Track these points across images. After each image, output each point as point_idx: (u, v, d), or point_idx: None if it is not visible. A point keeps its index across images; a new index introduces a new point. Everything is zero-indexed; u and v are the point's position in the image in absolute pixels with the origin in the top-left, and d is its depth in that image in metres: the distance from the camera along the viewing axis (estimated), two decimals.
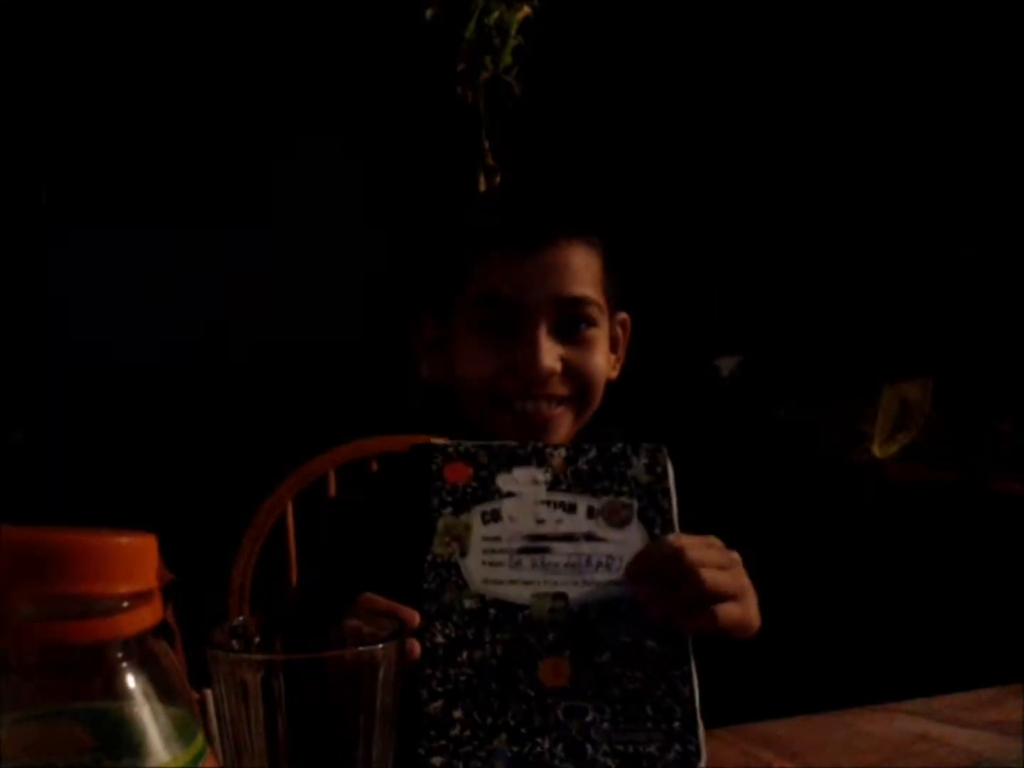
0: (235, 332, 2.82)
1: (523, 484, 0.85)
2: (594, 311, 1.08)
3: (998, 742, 0.86)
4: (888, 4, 2.85)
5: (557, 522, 0.83)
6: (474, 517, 0.83)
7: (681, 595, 0.79)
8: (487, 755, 0.73)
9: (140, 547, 0.36)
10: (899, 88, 2.86)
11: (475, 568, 0.81)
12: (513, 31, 2.68)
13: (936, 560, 2.35)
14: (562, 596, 0.80)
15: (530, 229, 1.06)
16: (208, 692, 0.66)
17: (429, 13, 2.67)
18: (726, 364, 2.98)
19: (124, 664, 0.36)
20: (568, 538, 0.82)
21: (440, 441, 0.88)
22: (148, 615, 0.36)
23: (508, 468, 0.86)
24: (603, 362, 1.10)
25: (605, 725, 0.74)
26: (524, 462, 0.86)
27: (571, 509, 0.84)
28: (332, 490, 1.57)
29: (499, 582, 0.80)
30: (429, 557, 0.82)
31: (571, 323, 1.07)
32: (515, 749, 0.73)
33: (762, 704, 0.92)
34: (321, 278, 2.89)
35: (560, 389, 1.06)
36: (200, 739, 0.37)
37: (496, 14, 2.67)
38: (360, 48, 2.83)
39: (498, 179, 2.72)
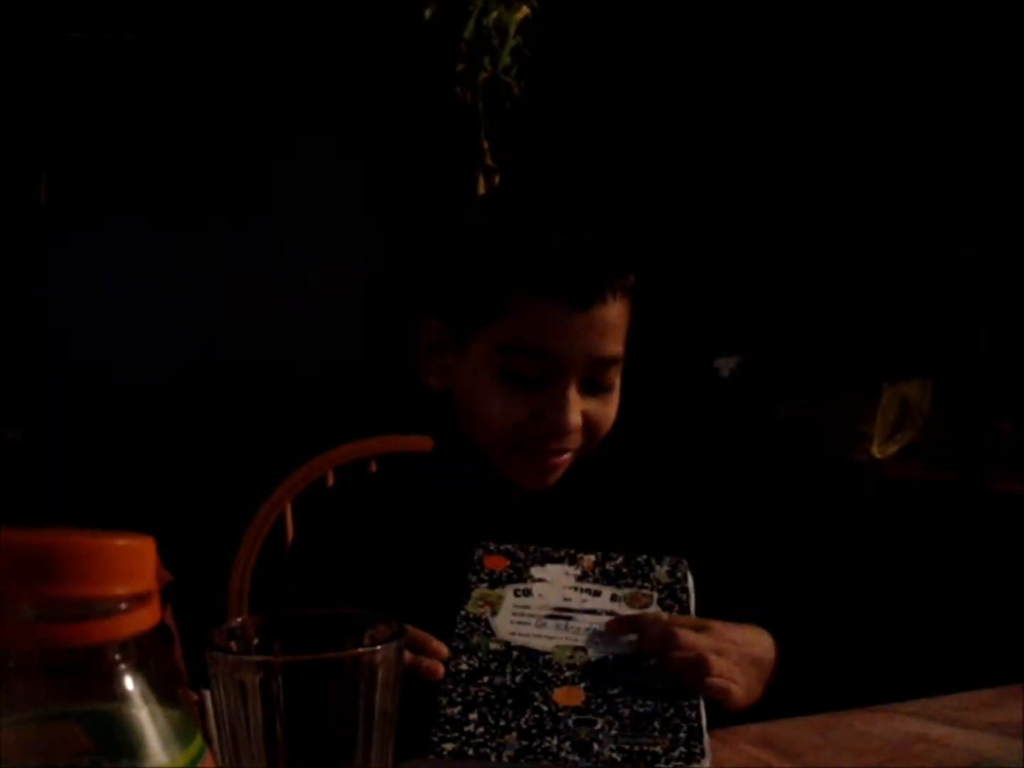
0: (235, 331, 2.82)
1: (554, 575, 0.94)
2: (620, 366, 1.08)
3: (998, 743, 0.86)
4: (888, 4, 2.85)
5: (582, 601, 0.91)
6: (507, 591, 0.91)
7: (675, 659, 0.85)
8: (497, 746, 0.76)
9: (138, 549, 0.36)
10: (899, 88, 2.86)
11: (503, 624, 0.88)
12: (512, 31, 2.68)
13: (936, 560, 2.35)
14: (582, 649, 0.86)
15: (585, 284, 1.02)
16: (207, 693, 0.66)
17: (428, 13, 2.67)
18: (726, 364, 2.98)
19: (122, 666, 0.36)
20: (591, 612, 0.90)
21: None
22: (147, 617, 0.36)
23: (542, 563, 0.95)
24: (615, 410, 1.10)
25: (613, 732, 0.78)
26: (557, 561, 0.95)
27: (596, 594, 0.92)
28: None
29: (525, 635, 0.87)
30: (462, 612, 0.89)
31: (598, 379, 1.06)
32: (524, 743, 0.76)
33: (763, 705, 0.92)
34: (321, 278, 2.89)
35: (577, 443, 1.06)
36: (199, 740, 0.37)
37: (495, 14, 2.67)
38: (359, 48, 2.83)
39: (497, 180, 2.72)
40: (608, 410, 1.08)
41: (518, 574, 0.93)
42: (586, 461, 1.11)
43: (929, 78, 2.81)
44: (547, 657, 0.84)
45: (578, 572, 0.93)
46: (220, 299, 2.81)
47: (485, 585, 0.92)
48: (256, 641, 0.59)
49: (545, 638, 0.86)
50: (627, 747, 0.75)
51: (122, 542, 0.35)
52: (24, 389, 2.66)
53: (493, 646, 0.85)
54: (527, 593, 0.91)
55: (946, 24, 2.77)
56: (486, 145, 2.71)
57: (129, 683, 0.36)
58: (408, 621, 0.80)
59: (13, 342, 2.64)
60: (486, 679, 0.82)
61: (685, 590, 0.93)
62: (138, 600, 0.36)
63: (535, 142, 2.76)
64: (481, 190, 2.75)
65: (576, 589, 0.92)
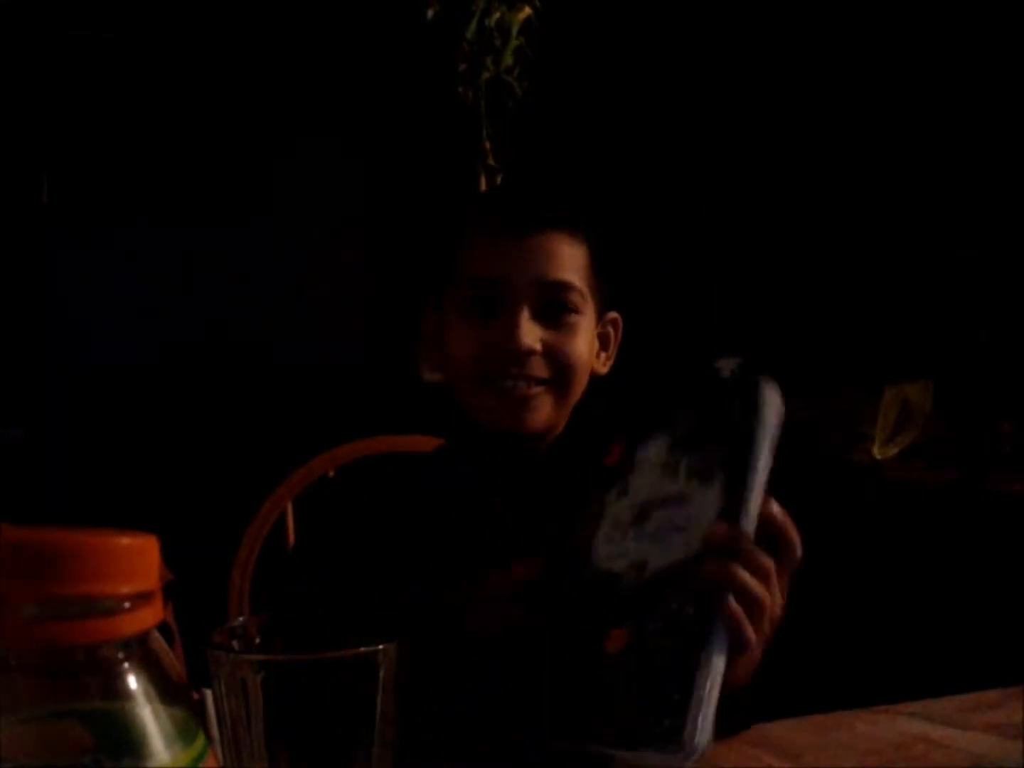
0: (235, 330, 2.82)
1: (651, 452, 0.80)
2: (576, 298, 1.10)
3: (998, 744, 0.86)
4: (888, 4, 2.85)
5: (662, 487, 0.77)
6: (611, 496, 0.80)
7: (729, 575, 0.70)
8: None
9: (142, 547, 0.36)
10: (899, 88, 2.86)
11: (600, 546, 0.77)
12: (514, 32, 2.68)
13: (936, 560, 2.35)
14: (643, 564, 0.74)
15: (517, 217, 1.10)
16: (208, 692, 0.66)
17: (430, 13, 2.67)
18: (726, 366, 2.98)
19: (125, 664, 0.36)
20: (664, 502, 0.76)
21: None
22: (149, 615, 0.36)
23: (644, 439, 0.81)
24: (585, 349, 1.12)
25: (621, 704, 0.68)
26: (659, 428, 0.80)
27: (674, 471, 0.77)
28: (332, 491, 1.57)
29: (610, 557, 0.76)
30: (574, 541, 0.79)
31: (553, 308, 1.09)
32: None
33: (763, 705, 0.92)
34: (322, 278, 2.89)
35: (541, 371, 1.08)
36: (201, 740, 0.37)
37: (497, 15, 2.67)
38: (361, 48, 2.83)
39: (499, 180, 2.72)
40: (572, 342, 1.10)
41: (625, 465, 0.80)
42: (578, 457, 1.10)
43: (929, 78, 2.81)
44: (620, 584, 0.73)
45: (671, 440, 0.79)
46: (221, 297, 2.81)
47: (599, 495, 0.80)
48: (257, 640, 0.59)
49: (623, 558, 0.75)
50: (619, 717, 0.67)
51: (125, 540, 0.35)
52: (24, 387, 2.66)
53: (585, 576, 0.76)
54: (624, 492, 0.79)
55: (946, 24, 2.77)
56: (488, 145, 2.71)
57: (131, 682, 0.36)
58: (410, 621, 0.80)
59: (14, 340, 2.64)
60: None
61: (752, 438, 0.72)
62: (141, 599, 0.36)
63: (537, 142, 2.76)
64: (483, 190, 2.75)
65: (664, 467, 0.77)
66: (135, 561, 0.35)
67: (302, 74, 2.83)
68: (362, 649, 0.55)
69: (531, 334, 1.07)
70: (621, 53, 2.95)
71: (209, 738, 0.39)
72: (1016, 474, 2.48)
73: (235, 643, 0.58)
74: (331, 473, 1.57)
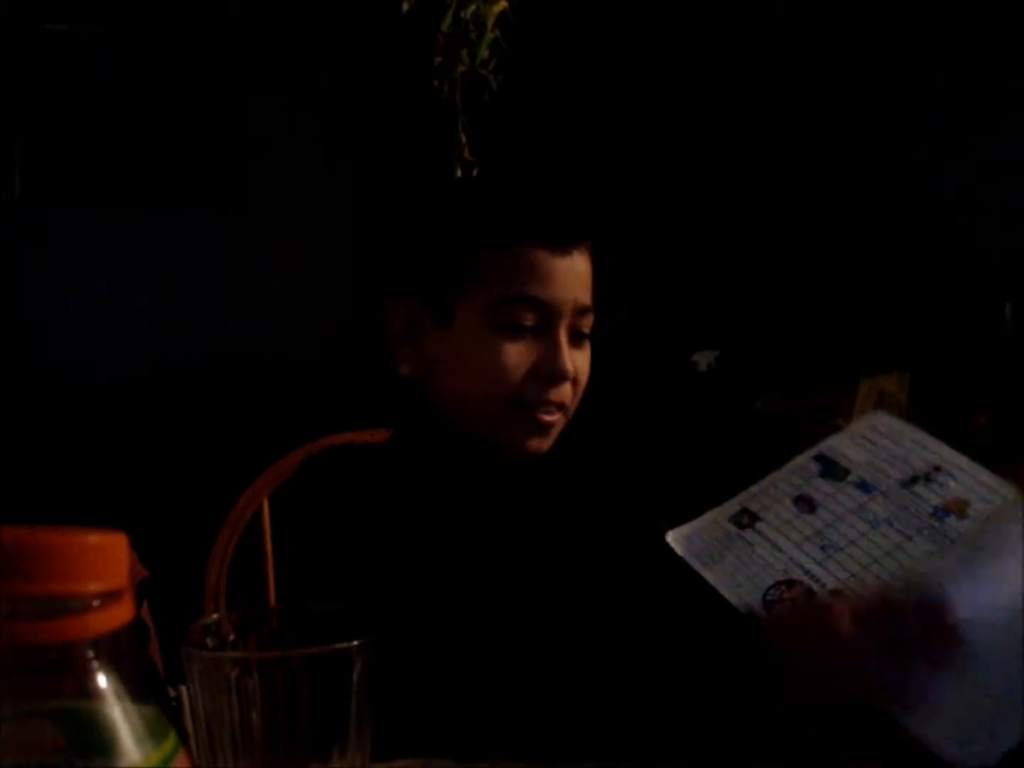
0: (213, 326, 2.81)
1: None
2: (591, 320, 1.07)
3: None
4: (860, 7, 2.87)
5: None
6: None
7: None
8: None
9: (110, 545, 0.36)
10: (865, 86, 2.87)
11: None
12: (490, 25, 2.67)
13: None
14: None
15: (565, 227, 1.04)
16: (183, 689, 0.66)
17: (406, 6, 2.66)
18: (703, 358, 2.98)
19: (95, 663, 0.36)
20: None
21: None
22: (119, 614, 0.36)
23: None
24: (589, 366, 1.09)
25: None
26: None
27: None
28: None
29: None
30: None
31: (580, 328, 1.06)
32: None
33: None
34: (297, 273, 2.88)
35: (567, 397, 1.05)
36: (172, 739, 0.37)
37: (473, 8, 2.66)
38: (336, 41, 2.82)
39: (475, 173, 2.71)
40: (587, 364, 1.07)
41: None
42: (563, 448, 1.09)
43: (889, 87, 2.82)
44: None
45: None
46: (197, 292, 2.80)
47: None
48: (232, 637, 0.59)
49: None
50: None
51: (94, 539, 0.35)
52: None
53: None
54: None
55: (923, 26, 2.78)
56: (463, 138, 2.70)
57: (102, 681, 0.36)
58: (391, 614, 0.80)
59: None
60: None
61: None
62: (111, 597, 0.35)
63: (513, 136, 2.75)
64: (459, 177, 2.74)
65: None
66: (103, 559, 0.35)
67: (278, 67, 2.82)
68: (336, 646, 0.55)
69: (569, 358, 1.03)
70: (596, 46, 2.95)
71: (183, 735, 0.39)
72: (991, 465, 2.49)
73: (209, 640, 0.58)
74: None
